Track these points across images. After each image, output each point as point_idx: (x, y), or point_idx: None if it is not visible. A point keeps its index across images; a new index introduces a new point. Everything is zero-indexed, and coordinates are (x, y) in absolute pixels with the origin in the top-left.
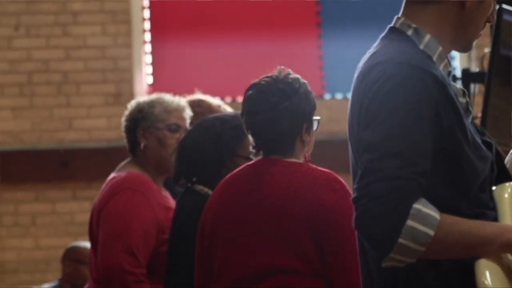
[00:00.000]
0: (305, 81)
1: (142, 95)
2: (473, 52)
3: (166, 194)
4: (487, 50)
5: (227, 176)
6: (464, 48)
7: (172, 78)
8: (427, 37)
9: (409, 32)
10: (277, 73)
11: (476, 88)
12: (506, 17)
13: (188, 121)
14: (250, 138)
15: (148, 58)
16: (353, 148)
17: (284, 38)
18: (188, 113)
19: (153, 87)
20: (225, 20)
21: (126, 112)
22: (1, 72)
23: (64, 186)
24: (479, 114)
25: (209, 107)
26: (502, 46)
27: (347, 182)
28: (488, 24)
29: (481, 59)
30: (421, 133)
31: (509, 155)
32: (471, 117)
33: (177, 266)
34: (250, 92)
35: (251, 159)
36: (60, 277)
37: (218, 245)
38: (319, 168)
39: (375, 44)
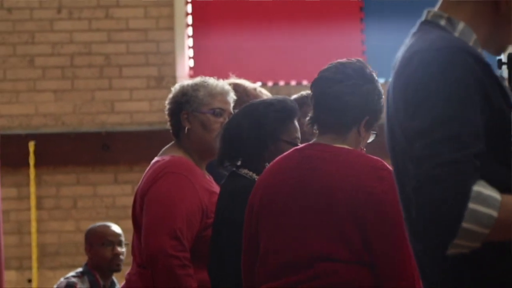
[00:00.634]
0: (382, 89)
1: (184, 78)
2: None
3: (210, 178)
4: None
5: (274, 160)
6: (497, 51)
7: (214, 62)
8: (461, 24)
9: (442, 22)
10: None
11: None
12: None
13: (232, 105)
14: (296, 123)
15: (190, 42)
16: (398, 144)
17: (327, 32)
18: (232, 97)
19: (194, 70)
20: (270, 10)
21: (170, 95)
22: (44, 55)
23: (106, 169)
24: None
25: (245, 91)
26: None
27: None
28: None
29: None
30: (471, 113)
31: None
32: None
33: (221, 250)
34: (331, 65)
35: (295, 144)
36: (86, 262)
37: (264, 230)
38: (368, 155)
39: (408, 38)
